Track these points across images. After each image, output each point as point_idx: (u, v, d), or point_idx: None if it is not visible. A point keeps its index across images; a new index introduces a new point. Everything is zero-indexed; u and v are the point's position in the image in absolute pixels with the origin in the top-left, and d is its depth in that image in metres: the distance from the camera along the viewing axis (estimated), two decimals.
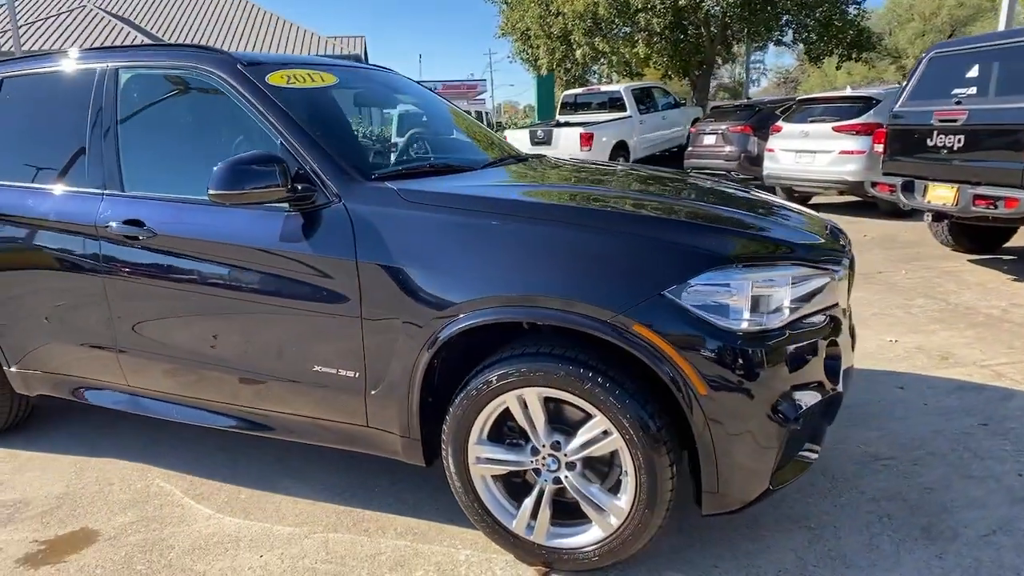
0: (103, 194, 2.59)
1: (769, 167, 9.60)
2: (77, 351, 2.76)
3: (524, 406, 2.05)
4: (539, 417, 2.05)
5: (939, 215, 5.80)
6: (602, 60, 17.43)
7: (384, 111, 3.73)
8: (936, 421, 3.06)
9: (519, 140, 12.91)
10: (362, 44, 28.55)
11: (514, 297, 1.97)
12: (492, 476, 2.18)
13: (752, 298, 1.88)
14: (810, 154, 8.88)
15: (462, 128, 3.41)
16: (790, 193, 9.91)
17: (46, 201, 2.70)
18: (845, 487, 2.56)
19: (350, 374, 2.25)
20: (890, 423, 3.06)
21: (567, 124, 13.23)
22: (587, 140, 12.06)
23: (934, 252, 6.50)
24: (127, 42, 20.48)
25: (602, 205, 2.13)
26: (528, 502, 2.12)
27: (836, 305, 2.13)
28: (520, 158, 3.12)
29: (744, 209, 2.34)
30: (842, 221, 8.48)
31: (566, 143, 12.28)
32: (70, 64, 2.78)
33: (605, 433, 1.96)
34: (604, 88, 14.32)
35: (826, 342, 2.05)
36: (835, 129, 8.53)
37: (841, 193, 8.98)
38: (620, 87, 13.62)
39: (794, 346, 1.93)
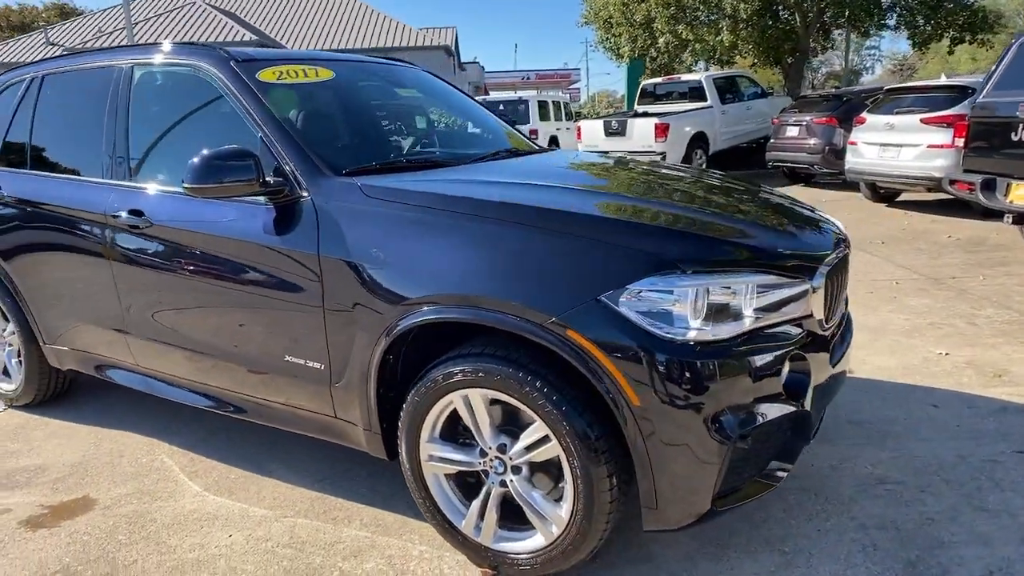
0: (115, 185, 2.76)
1: (851, 161, 9.01)
2: (97, 331, 2.97)
3: (470, 406, 2.03)
4: (483, 418, 2.02)
5: (1021, 217, 5.25)
6: (687, 48, 16.80)
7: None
8: (964, 445, 2.79)
9: (593, 131, 12.73)
10: (452, 34, 28.98)
11: (455, 296, 1.95)
12: (445, 474, 2.18)
13: (700, 306, 1.77)
14: (895, 148, 8.26)
15: (475, 122, 3.39)
16: (874, 189, 9.28)
17: (73, 191, 2.92)
18: (836, 511, 2.37)
19: (317, 365, 2.30)
20: (910, 444, 2.81)
21: (645, 114, 12.91)
22: (662, 131, 11.73)
23: None
24: (233, 38, 21.75)
25: (552, 203, 2.06)
26: (476, 503, 2.10)
27: (810, 316, 1.98)
28: (520, 152, 3.07)
29: (734, 212, 2.19)
30: (930, 221, 7.87)
31: (641, 134, 11.99)
32: (97, 62, 2.98)
33: (545, 439, 1.91)
34: (685, 77, 13.85)
35: (791, 356, 1.90)
36: (923, 121, 7.88)
37: (929, 190, 8.29)
38: (701, 76, 13.13)
39: (746, 359, 1.80)
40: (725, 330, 1.79)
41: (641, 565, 2.14)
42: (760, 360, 1.83)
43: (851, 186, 10.00)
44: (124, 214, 2.66)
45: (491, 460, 2.06)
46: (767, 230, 2.09)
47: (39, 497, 2.67)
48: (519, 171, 2.65)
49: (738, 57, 19.08)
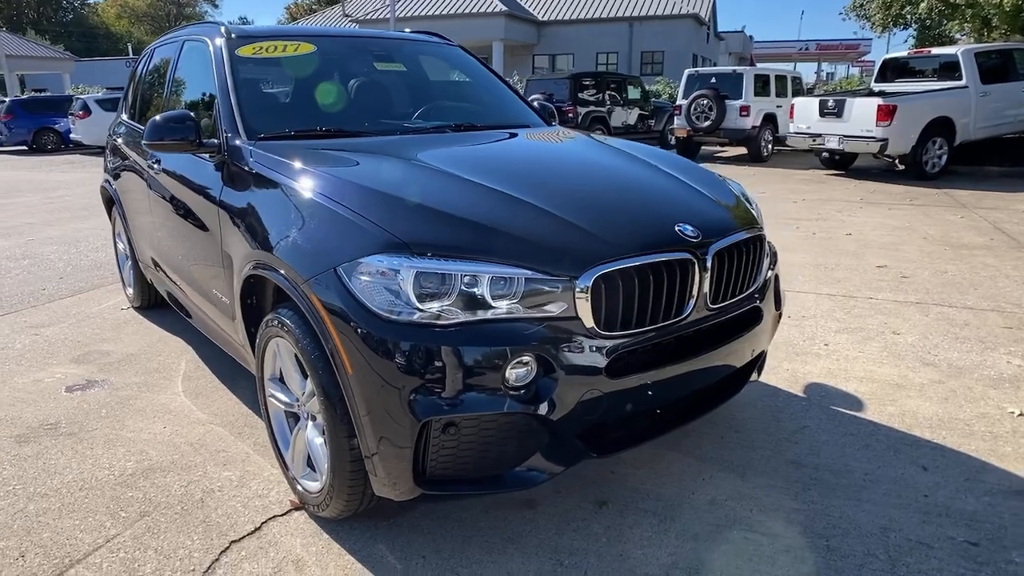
0: None
1: None
2: (153, 253, 3.74)
3: (280, 354, 2.27)
4: (288, 366, 2.25)
5: None
6: (956, 14, 13.86)
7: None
8: (907, 519, 2.27)
9: (807, 111, 11.44)
10: (707, 2, 27.59)
11: (259, 253, 2.19)
12: (284, 411, 2.45)
13: (424, 289, 1.79)
14: None
15: (466, 97, 3.49)
16: None
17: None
18: (666, 542, 2.15)
19: (226, 300, 2.71)
20: (837, 501, 2.37)
21: (881, 93, 11.22)
22: (886, 114, 10.11)
23: None
24: (483, 9, 23.33)
25: (348, 175, 2.18)
26: (292, 438, 2.35)
27: (574, 319, 1.84)
28: (478, 128, 3.11)
29: (547, 199, 2.09)
30: None
31: (860, 116, 10.47)
32: (174, 37, 3.70)
33: (313, 392, 2.08)
34: (936, 51, 11.65)
35: (530, 354, 1.81)
36: None
37: None
38: (958, 49, 10.95)
39: (461, 348, 1.77)
40: (446, 316, 1.78)
41: (421, 539, 2.20)
42: (478, 352, 1.78)
43: None
44: (154, 160, 3.32)
45: (301, 405, 2.28)
46: (548, 219, 1.98)
47: (88, 372, 3.52)
48: (423, 147, 2.72)
49: None
